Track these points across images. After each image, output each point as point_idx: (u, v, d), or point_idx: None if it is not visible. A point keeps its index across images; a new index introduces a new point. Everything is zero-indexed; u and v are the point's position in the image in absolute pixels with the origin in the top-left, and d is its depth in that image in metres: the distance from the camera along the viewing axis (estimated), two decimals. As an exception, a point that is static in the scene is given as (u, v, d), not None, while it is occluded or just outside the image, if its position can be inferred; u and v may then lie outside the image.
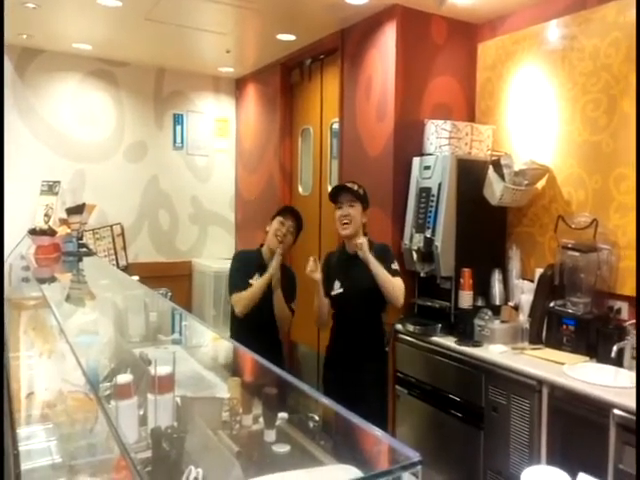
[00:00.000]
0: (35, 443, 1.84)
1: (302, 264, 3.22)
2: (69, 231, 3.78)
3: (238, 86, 5.78)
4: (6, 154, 4.56)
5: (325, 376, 3.14)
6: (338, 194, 2.96)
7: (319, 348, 4.19)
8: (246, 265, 3.18)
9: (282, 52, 4.76)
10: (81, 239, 3.89)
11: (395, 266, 2.94)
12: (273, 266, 3.05)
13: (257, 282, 3.07)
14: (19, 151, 4.77)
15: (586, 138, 3.11)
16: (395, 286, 2.85)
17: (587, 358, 2.80)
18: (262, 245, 3.23)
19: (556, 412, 2.57)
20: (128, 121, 5.29)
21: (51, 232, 3.65)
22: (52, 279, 3.11)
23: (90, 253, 3.91)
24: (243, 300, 3.05)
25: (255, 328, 3.03)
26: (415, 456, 0.95)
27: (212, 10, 3.77)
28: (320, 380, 3.22)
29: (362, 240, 2.84)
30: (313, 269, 2.89)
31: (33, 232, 3.63)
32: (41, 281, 2.90)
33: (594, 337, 2.82)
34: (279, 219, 3.16)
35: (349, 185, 2.97)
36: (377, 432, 1.17)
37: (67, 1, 3.72)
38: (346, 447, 1.50)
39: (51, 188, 4.55)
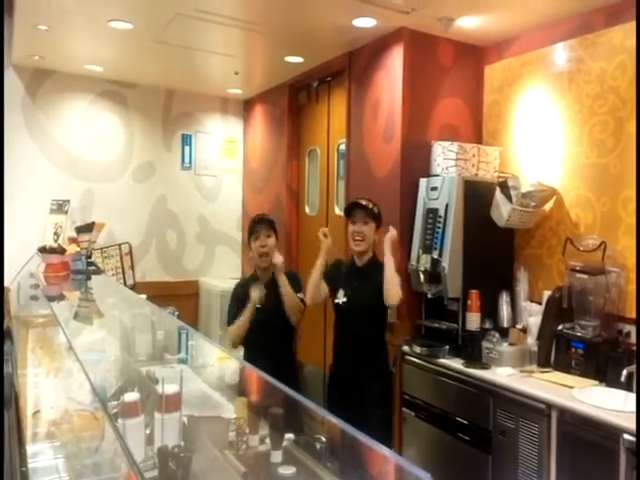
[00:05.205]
0: (42, 461, 1.84)
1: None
2: (78, 249, 3.80)
3: (246, 107, 5.83)
4: (17, 173, 4.64)
5: (329, 395, 3.12)
6: (353, 210, 2.98)
7: (325, 368, 4.16)
8: (243, 294, 3.15)
9: (290, 74, 4.81)
10: (90, 257, 3.90)
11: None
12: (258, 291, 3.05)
13: (244, 314, 3.05)
14: (30, 170, 4.81)
15: (593, 160, 3.12)
16: (396, 283, 2.90)
17: (596, 382, 2.76)
18: (255, 272, 3.24)
19: (565, 437, 2.53)
20: (137, 141, 5.33)
21: (61, 250, 3.67)
22: (61, 297, 3.13)
23: (98, 271, 3.92)
24: (230, 334, 3.10)
25: (264, 348, 3.01)
26: (426, 477, 0.94)
27: (221, 33, 3.82)
28: (324, 399, 3.20)
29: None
30: (326, 233, 3.03)
31: (43, 250, 3.64)
32: (50, 299, 2.91)
33: (603, 361, 2.78)
34: (254, 242, 3.15)
35: (364, 202, 2.99)
36: (386, 452, 1.16)
37: (79, 23, 3.78)
38: (354, 468, 1.48)
39: (61, 207, 4.59)
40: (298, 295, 3.09)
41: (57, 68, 4.87)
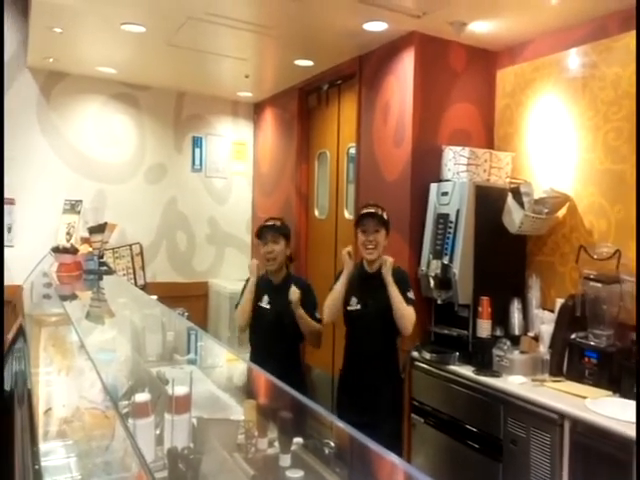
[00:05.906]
0: (54, 459, 1.84)
1: (318, 284, 3.20)
2: (90, 249, 3.82)
3: (256, 110, 5.85)
4: (30, 173, 4.69)
5: (339, 400, 3.10)
6: (363, 220, 2.99)
7: (333, 371, 4.15)
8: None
9: (300, 77, 4.81)
10: (102, 258, 3.92)
11: (411, 295, 2.97)
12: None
13: (245, 292, 3.20)
14: (43, 170, 4.85)
15: (608, 167, 3.09)
16: (406, 314, 2.89)
17: (610, 392, 2.72)
18: (266, 272, 3.26)
19: (578, 447, 2.50)
20: (149, 143, 5.36)
21: (73, 250, 3.68)
22: (73, 296, 3.15)
23: (110, 272, 3.94)
24: (237, 314, 3.21)
25: (271, 351, 3.01)
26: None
27: (232, 36, 3.83)
28: (334, 404, 3.19)
29: (390, 259, 2.92)
30: (351, 253, 2.99)
31: (56, 250, 3.66)
32: (63, 298, 2.93)
33: (617, 371, 2.74)
34: (262, 247, 3.19)
35: (373, 210, 3.00)
36: (395, 459, 1.15)
37: (92, 26, 3.80)
38: (362, 475, 1.47)
39: (73, 207, 4.62)
40: (315, 315, 3.09)
41: (71, 70, 4.90)
